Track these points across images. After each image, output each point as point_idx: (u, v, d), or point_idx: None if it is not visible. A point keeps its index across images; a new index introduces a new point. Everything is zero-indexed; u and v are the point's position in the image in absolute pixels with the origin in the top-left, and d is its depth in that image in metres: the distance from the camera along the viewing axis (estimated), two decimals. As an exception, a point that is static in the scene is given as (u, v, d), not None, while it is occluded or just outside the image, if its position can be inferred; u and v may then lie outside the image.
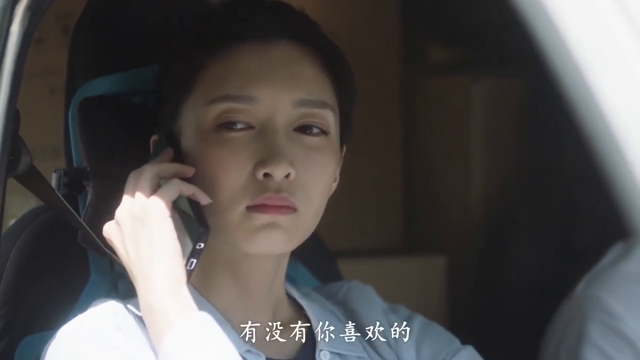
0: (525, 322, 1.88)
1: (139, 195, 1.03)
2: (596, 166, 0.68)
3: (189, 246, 1.03)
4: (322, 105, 1.08)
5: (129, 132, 1.19)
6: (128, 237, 1.03)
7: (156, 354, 0.99)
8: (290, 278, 1.18)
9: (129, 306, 1.07)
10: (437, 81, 2.25)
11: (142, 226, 1.02)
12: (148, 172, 1.05)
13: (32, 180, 1.12)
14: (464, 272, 2.12)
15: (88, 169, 1.18)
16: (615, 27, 0.68)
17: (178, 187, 1.04)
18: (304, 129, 1.08)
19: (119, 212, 1.05)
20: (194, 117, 1.08)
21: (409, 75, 2.25)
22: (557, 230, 1.96)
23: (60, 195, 1.15)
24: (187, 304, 0.99)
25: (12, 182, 1.09)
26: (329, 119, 1.09)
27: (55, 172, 1.22)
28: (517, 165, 2.15)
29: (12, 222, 1.26)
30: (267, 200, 1.04)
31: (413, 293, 2.03)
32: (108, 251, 1.11)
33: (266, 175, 1.04)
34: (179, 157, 1.08)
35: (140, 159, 1.10)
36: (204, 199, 1.04)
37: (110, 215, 1.09)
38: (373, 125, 2.00)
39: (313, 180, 1.07)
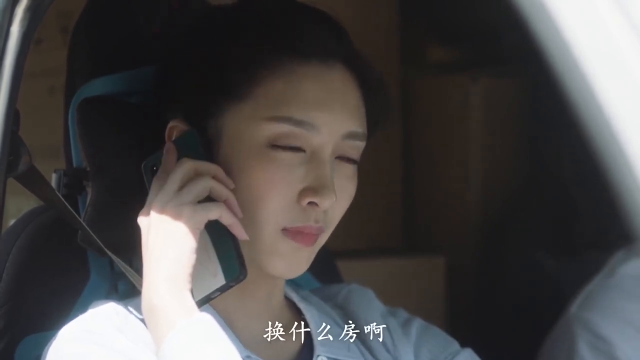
0: (524, 323, 1.89)
1: (182, 195, 1.02)
2: (596, 166, 0.68)
3: (215, 265, 1.03)
4: (363, 137, 1.10)
5: (128, 132, 1.18)
6: (153, 228, 1.02)
7: (157, 355, 0.99)
8: (290, 279, 1.18)
9: (129, 307, 1.07)
10: (437, 81, 2.25)
11: (168, 225, 1.01)
12: (203, 183, 1.03)
13: (32, 180, 1.11)
14: (463, 272, 2.12)
15: (88, 169, 1.18)
16: (615, 27, 0.68)
17: (219, 213, 1.03)
18: (342, 157, 1.09)
19: (158, 198, 1.03)
20: (244, 129, 1.06)
21: (408, 75, 2.25)
22: (556, 230, 1.97)
23: (60, 195, 1.15)
24: (188, 305, 0.98)
25: (11, 182, 1.09)
26: (362, 148, 1.11)
27: (55, 172, 1.22)
28: (516, 165, 2.15)
29: (11, 222, 1.26)
30: (304, 229, 1.06)
31: (412, 293, 2.03)
32: (108, 251, 1.11)
33: (310, 203, 1.05)
34: (209, 155, 1.07)
35: (140, 158, 1.10)
36: (240, 234, 1.04)
37: (110, 216, 1.09)
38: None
39: (341, 207, 1.09)
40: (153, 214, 1.03)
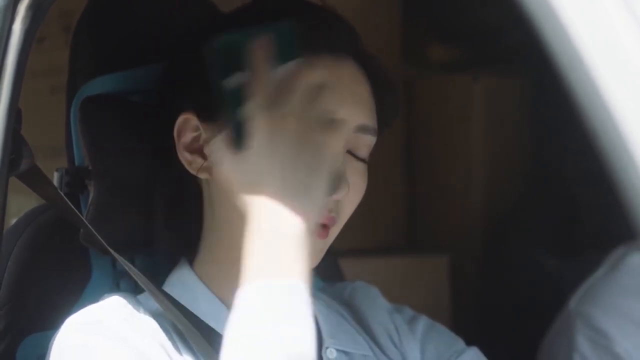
0: (528, 321, 1.89)
1: (314, 111, 0.93)
2: (598, 164, 0.68)
3: None
4: (374, 132, 1.10)
5: (130, 131, 1.18)
6: (288, 150, 0.91)
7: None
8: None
9: (138, 298, 1.07)
10: (439, 80, 2.25)
11: (314, 151, 0.92)
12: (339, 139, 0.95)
13: (34, 179, 1.11)
14: (467, 270, 2.12)
15: (90, 168, 1.18)
16: (620, 25, 0.68)
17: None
18: (353, 153, 1.09)
19: (291, 115, 0.91)
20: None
21: (410, 74, 2.25)
22: (558, 229, 1.97)
23: (62, 194, 1.15)
24: (302, 260, 0.89)
25: (12, 181, 1.09)
26: (372, 145, 1.11)
27: (57, 171, 1.21)
28: (518, 165, 2.15)
29: (13, 221, 1.26)
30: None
31: (416, 292, 2.03)
32: (111, 250, 1.11)
33: None
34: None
35: (142, 157, 1.10)
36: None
37: (112, 215, 1.08)
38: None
39: (352, 202, 1.09)
40: (289, 126, 0.91)
